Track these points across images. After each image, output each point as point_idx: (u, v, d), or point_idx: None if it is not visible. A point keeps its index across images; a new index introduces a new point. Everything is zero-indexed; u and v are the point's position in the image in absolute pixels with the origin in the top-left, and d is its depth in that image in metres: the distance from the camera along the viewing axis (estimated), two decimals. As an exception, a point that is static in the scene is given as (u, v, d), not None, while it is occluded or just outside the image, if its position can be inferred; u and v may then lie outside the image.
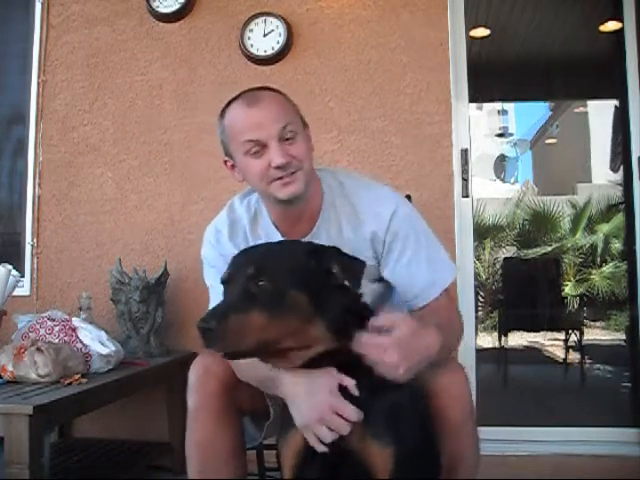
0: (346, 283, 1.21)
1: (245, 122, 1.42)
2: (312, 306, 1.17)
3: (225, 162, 1.53)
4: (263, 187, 1.44)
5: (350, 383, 1.19)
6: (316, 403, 1.17)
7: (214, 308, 1.16)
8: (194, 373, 1.43)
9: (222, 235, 1.55)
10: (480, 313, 7.30)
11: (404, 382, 1.21)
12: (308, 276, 1.19)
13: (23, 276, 2.90)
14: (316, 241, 1.46)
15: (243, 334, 1.11)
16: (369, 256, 1.50)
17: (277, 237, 1.53)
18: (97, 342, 2.24)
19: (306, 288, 1.17)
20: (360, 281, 1.22)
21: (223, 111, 1.49)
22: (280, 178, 1.40)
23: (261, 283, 1.15)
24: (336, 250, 1.25)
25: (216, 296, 1.50)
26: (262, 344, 1.14)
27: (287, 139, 1.41)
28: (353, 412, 1.17)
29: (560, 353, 5.96)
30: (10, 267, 2.38)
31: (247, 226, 1.56)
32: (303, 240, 1.44)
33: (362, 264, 1.24)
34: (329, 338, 1.18)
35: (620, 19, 2.86)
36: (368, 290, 1.47)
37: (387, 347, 1.15)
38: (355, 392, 1.18)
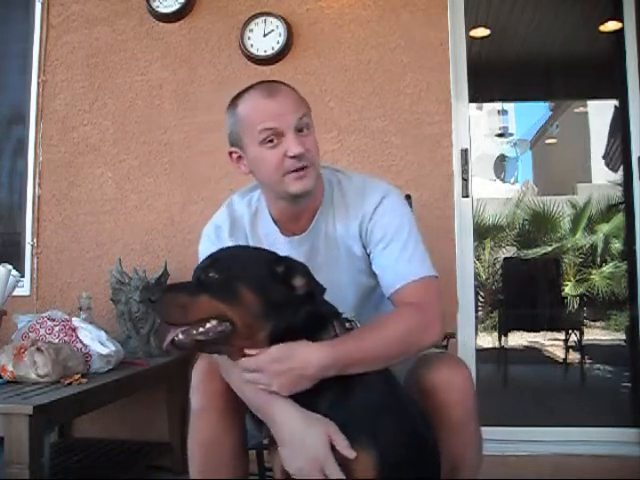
0: (306, 291, 1.27)
1: (264, 112, 1.41)
2: (261, 305, 1.23)
3: (230, 154, 1.51)
4: (276, 179, 1.42)
5: (343, 444, 1.19)
6: (305, 458, 1.18)
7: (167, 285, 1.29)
8: (198, 373, 1.43)
9: (222, 231, 1.54)
10: (480, 313, 7.30)
11: (381, 385, 1.27)
12: (265, 279, 1.26)
13: (23, 276, 2.90)
14: (313, 237, 1.51)
15: (186, 311, 1.21)
16: (359, 249, 1.50)
17: (277, 234, 1.53)
18: (97, 342, 2.24)
19: (258, 288, 1.24)
20: (316, 294, 1.29)
21: (235, 101, 1.48)
22: (294, 171, 1.40)
23: (210, 274, 1.26)
24: (305, 266, 1.31)
25: None
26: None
27: (301, 130, 1.42)
28: (339, 475, 1.17)
29: (560, 353, 5.96)
30: (10, 267, 2.38)
31: (247, 224, 1.55)
32: (302, 235, 1.50)
33: (323, 289, 1.30)
34: (275, 340, 1.23)
35: (620, 19, 2.86)
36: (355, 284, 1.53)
37: (254, 370, 1.24)
38: (351, 455, 1.18)
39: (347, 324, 1.33)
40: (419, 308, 1.36)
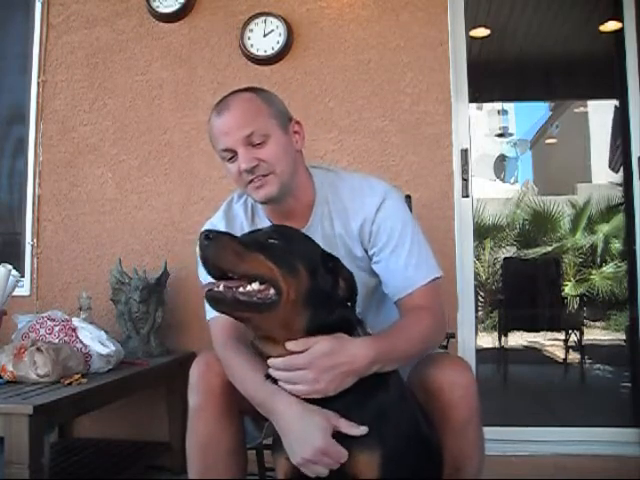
0: (343, 296, 1.29)
1: (216, 131, 1.48)
2: (309, 287, 1.21)
3: None
4: (243, 189, 1.51)
5: (347, 425, 1.19)
6: (308, 445, 1.18)
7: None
8: (196, 371, 1.43)
9: None
10: (480, 313, 7.31)
11: (387, 384, 1.27)
12: (319, 266, 1.26)
13: (23, 276, 2.90)
14: (310, 236, 1.50)
15: (239, 259, 1.17)
16: (359, 250, 1.52)
17: None
18: (97, 342, 2.24)
19: (312, 269, 1.23)
20: (355, 304, 1.33)
21: (209, 118, 1.53)
22: (252, 181, 1.45)
23: (271, 240, 1.24)
24: (350, 272, 1.33)
25: None
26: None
27: (256, 144, 1.44)
28: (343, 455, 1.18)
29: (560, 353, 5.97)
30: (10, 267, 2.38)
31: (245, 223, 1.58)
32: None
33: (356, 300, 1.34)
34: (309, 333, 1.22)
35: (620, 19, 2.86)
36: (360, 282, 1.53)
37: (302, 366, 1.20)
38: (359, 431, 1.19)
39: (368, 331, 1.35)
40: (430, 311, 1.43)
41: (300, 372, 1.20)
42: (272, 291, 1.18)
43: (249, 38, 2.86)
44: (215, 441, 1.40)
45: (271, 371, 1.24)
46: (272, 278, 1.18)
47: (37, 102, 3.03)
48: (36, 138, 3.02)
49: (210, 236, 1.17)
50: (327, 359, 1.19)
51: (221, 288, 1.17)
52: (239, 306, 1.17)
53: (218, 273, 1.20)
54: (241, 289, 1.17)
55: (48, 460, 1.82)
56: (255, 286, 1.17)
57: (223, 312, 1.23)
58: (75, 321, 2.31)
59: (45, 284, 2.97)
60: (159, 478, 2.62)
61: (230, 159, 1.46)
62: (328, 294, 1.25)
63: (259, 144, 1.43)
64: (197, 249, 1.58)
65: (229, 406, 1.40)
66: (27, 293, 2.95)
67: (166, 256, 2.82)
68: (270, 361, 1.23)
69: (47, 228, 2.99)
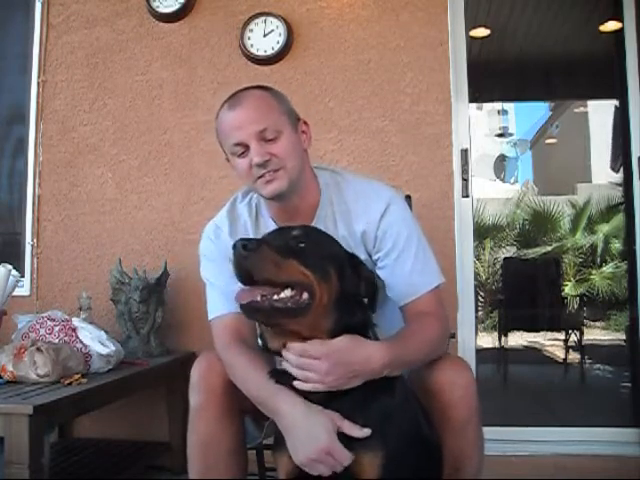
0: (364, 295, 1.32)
1: (228, 125, 1.47)
2: (339, 290, 1.24)
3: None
4: (251, 184, 1.50)
5: (351, 426, 1.20)
6: (312, 445, 1.18)
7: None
8: (197, 370, 1.43)
9: (222, 231, 1.57)
10: (480, 313, 7.31)
11: (391, 387, 1.28)
12: (347, 268, 1.29)
13: (23, 276, 2.90)
14: None
15: (278, 270, 1.18)
16: (362, 253, 1.52)
17: None
18: (97, 342, 2.24)
19: (341, 273, 1.26)
20: (374, 306, 1.34)
21: (217, 113, 1.53)
22: (262, 176, 1.45)
23: (301, 245, 1.25)
24: (372, 272, 1.36)
25: (213, 290, 1.50)
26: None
27: (268, 139, 1.44)
28: (347, 457, 1.18)
29: (560, 353, 5.97)
30: (10, 267, 2.38)
31: (249, 223, 1.58)
32: None
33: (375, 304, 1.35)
34: (333, 335, 1.23)
35: (620, 19, 2.86)
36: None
37: (319, 356, 1.21)
38: (363, 433, 1.19)
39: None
40: (436, 317, 1.45)
41: (315, 361, 1.21)
42: (305, 296, 1.20)
43: (249, 38, 2.86)
44: (216, 441, 1.40)
45: (284, 352, 1.24)
46: (307, 284, 1.21)
47: (37, 102, 3.03)
48: (36, 138, 3.02)
49: (249, 247, 1.17)
50: (344, 354, 1.21)
51: (258, 298, 1.18)
52: (276, 314, 1.20)
53: (247, 278, 1.20)
54: (275, 296, 1.19)
55: (48, 460, 1.82)
56: (288, 292, 1.19)
57: (259, 320, 1.27)
58: (75, 321, 2.31)
59: (45, 284, 2.97)
60: (159, 478, 2.63)
61: (241, 154, 1.46)
62: (353, 296, 1.28)
63: (272, 139, 1.44)
64: (200, 247, 1.59)
65: (230, 406, 1.40)
66: (27, 293, 2.95)
67: (166, 256, 2.82)
68: (289, 344, 1.23)
69: (47, 228, 2.99)
